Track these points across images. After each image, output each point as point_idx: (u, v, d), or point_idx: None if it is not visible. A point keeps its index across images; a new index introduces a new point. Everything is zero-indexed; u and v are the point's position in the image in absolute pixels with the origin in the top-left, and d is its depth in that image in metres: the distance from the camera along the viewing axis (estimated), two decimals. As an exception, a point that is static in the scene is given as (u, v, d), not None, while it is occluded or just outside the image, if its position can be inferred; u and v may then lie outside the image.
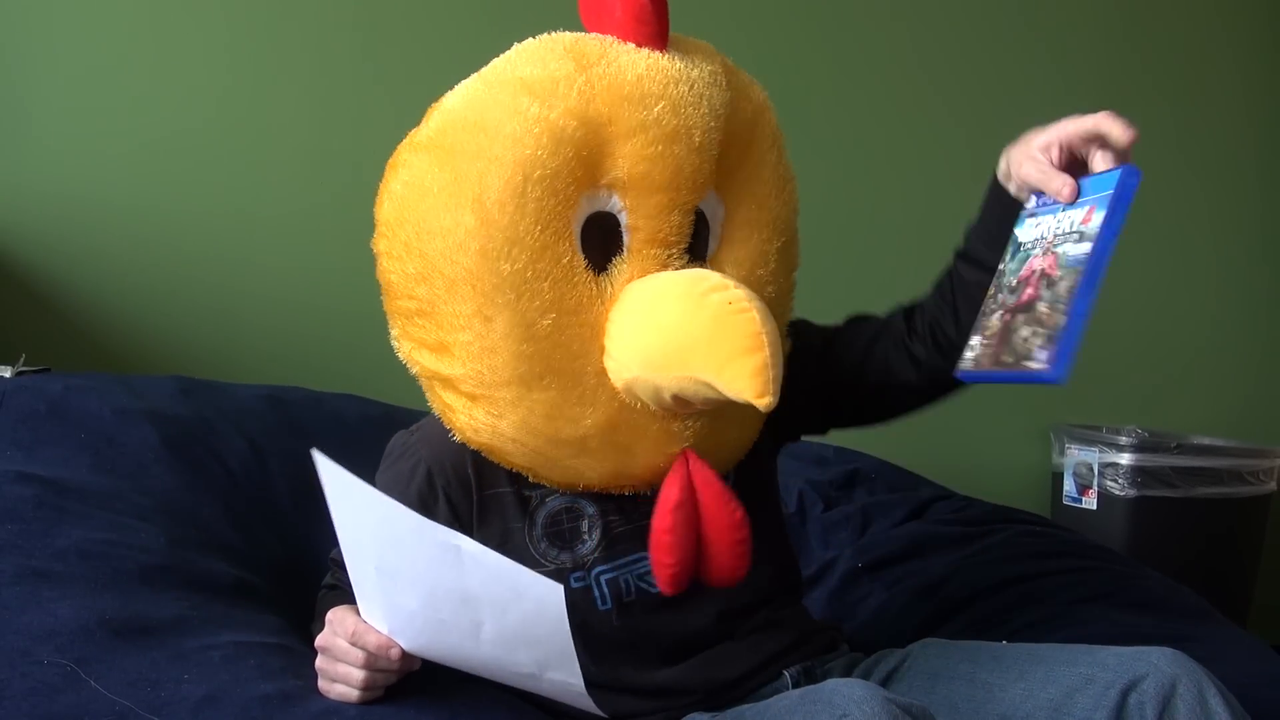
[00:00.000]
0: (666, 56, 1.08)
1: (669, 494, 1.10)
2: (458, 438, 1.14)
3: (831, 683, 0.98)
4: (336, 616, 1.06)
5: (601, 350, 1.07)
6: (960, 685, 1.12)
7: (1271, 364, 2.89)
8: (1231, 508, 2.49)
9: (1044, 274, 0.99)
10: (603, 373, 1.07)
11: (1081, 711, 1.02)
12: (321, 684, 1.07)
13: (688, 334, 1.01)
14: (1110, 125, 1.03)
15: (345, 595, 1.10)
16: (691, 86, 1.07)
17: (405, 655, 1.04)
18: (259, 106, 2.20)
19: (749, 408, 1.01)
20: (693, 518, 1.10)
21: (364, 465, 1.35)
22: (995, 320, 1.02)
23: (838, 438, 1.78)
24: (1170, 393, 2.82)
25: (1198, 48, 2.81)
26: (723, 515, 1.11)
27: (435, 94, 1.14)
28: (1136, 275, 2.80)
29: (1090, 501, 2.49)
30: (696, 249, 1.11)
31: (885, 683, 1.17)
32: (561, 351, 1.06)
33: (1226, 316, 2.87)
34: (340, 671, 1.05)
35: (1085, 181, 1.02)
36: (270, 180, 2.21)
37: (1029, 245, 1.04)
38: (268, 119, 2.21)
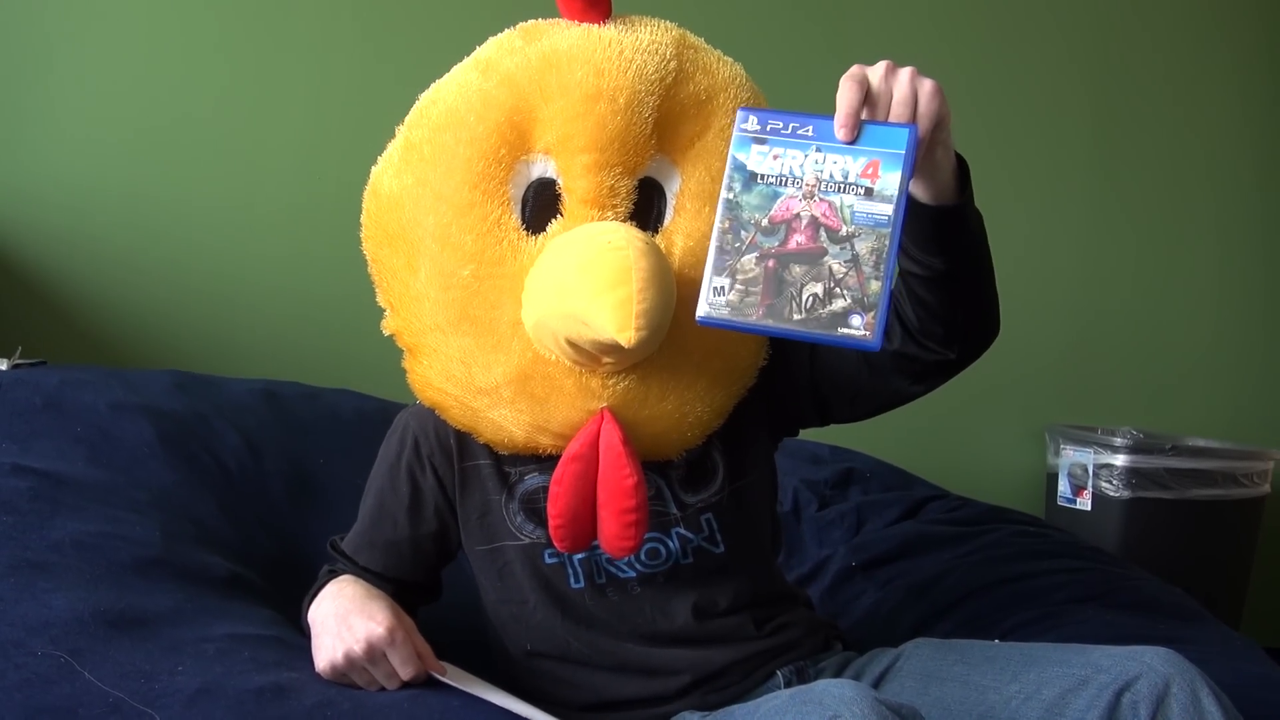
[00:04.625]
0: (601, 27, 1.13)
1: (570, 446, 1.11)
2: (418, 399, 1.20)
3: (822, 683, 0.98)
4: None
5: (519, 303, 1.10)
6: (953, 686, 1.11)
7: (1267, 366, 2.90)
8: (1225, 510, 2.49)
9: (819, 223, 0.94)
10: (518, 323, 1.10)
11: (1075, 712, 1.02)
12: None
13: (565, 269, 1.04)
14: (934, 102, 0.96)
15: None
16: (620, 52, 1.10)
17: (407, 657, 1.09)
18: (255, 100, 2.20)
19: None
20: (588, 475, 1.10)
21: (359, 460, 1.36)
22: (751, 263, 0.95)
23: (834, 436, 1.78)
24: (1165, 394, 2.82)
25: (1196, 49, 2.82)
26: (615, 478, 1.09)
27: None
28: (1132, 277, 2.81)
29: (1085, 502, 2.49)
30: (646, 218, 1.13)
31: (878, 683, 1.17)
32: (479, 300, 1.10)
33: (1222, 318, 2.88)
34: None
35: (865, 128, 0.95)
36: (267, 174, 2.21)
37: (772, 180, 0.96)
38: (264, 113, 2.21)
